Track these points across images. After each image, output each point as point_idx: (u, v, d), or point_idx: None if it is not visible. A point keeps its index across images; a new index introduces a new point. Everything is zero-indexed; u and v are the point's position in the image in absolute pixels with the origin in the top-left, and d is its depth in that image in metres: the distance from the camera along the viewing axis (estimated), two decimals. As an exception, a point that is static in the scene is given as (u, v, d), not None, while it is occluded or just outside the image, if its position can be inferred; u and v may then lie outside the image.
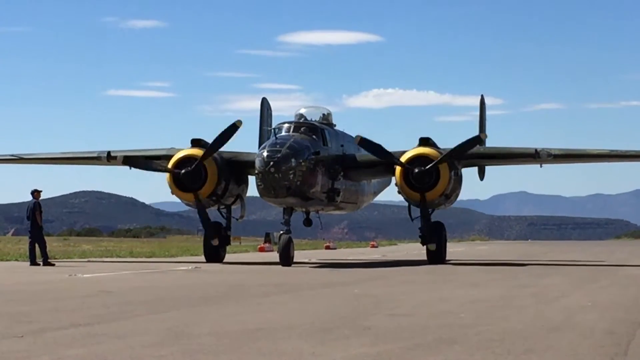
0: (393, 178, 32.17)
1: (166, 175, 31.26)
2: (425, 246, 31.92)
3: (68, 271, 24.45)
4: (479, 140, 31.33)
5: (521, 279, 21.83)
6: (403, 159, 30.54)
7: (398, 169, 30.53)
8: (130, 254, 39.56)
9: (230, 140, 30.51)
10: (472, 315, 12.56)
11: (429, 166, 30.14)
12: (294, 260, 29.42)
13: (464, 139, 30.41)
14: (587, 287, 18.96)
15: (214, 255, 32.04)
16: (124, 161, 31.94)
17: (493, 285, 19.67)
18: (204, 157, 30.63)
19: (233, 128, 30.29)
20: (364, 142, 30.24)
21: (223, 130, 30.29)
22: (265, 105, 38.36)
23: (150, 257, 37.43)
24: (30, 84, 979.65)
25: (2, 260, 33.20)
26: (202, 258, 32.68)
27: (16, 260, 32.93)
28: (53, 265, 28.38)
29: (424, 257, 32.00)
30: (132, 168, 32.04)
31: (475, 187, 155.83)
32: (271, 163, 27.95)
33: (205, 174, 30.90)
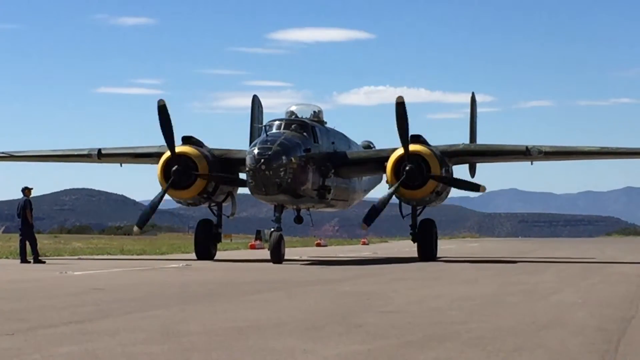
0: (384, 175, 32.18)
1: (157, 173, 31.25)
2: (415, 243, 31.97)
3: (59, 269, 24.42)
4: (477, 188, 31.40)
5: (512, 276, 21.86)
6: (394, 156, 30.52)
7: (389, 166, 30.47)
8: (121, 252, 39.51)
9: (171, 120, 30.40)
10: (463, 312, 12.58)
11: (426, 175, 30.12)
12: (285, 257, 29.41)
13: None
14: (577, 284, 19.00)
15: (205, 252, 32.06)
16: (141, 228, 32.12)
17: (484, 282, 19.70)
18: (172, 151, 30.60)
19: (161, 110, 30.25)
20: (401, 107, 29.89)
21: (159, 119, 30.30)
22: (256, 103, 38.33)
23: (141, 254, 37.39)
24: (21, 81, 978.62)
25: (-8, 257, 33.14)
26: (193, 255, 32.68)
27: (7, 258, 32.87)
28: (44, 262, 28.32)
29: (415, 255, 32.05)
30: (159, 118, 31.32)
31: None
32: (262, 160, 27.93)
33: (196, 171, 30.89)
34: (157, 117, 30.34)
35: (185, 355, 8.63)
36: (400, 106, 29.67)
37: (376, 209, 30.49)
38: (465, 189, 31.64)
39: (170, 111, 30.39)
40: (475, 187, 31.31)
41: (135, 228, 31.87)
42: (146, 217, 31.69)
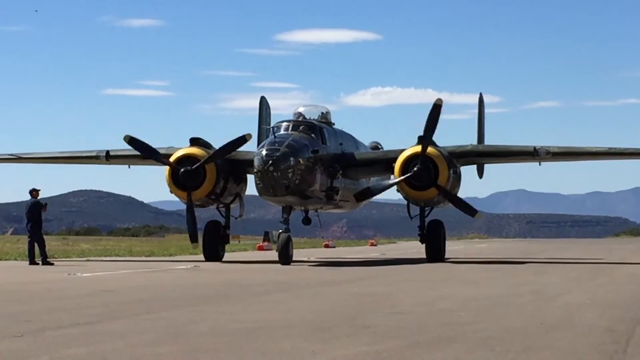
0: (392, 176, 32.17)
1: (165, 173, 31.24)
2: (424, 244, 31.93)
3: (67, 270, 24.45)
4: (474, 213, 31.57)
5: (520, 277, 21.84)
6: (405, 154, 30.52)
7: (397, 167, 30.47)
8: (129, 253, 39.55)
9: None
10: (471, 313, 12.57)
11: (433, 180, 30.22)
12: (293, 258, 29.41)
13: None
14: (586, 285, 18.98)
15: (213, 254, 32.04)
16: (130, 142, 31.11)
17: (492, 283, 19.68)
18: (207, 160, 30.50)
19: (242, 140, 30.10)
20: (437, 109, 29.72)
21: (232, 140, 30.15)
22: (264, 104, 38.36)
23: (149, 256, 37.41)
24: (28, 83, 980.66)
25: (1, 259, 33.20)
26: (201, 257, 32.68)
27: (15, 259, 32.92)
28: (52, 264, 28.37)
29: (423, 256, 32.02)
30: (135, 150, 31.16)
31: (474, 185, 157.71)
32: (270, 162, 27.94)
33: (204, 173, 30.88)
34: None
35: (194, 356, 8.63)
36: (436, 109, 29.79)
37: (370, 190, 31.80)
38: (462, 211, 31.65)
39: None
40: (472, 212, 31.38)
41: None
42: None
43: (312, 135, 29.82)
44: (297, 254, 34.85)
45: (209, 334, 10.16)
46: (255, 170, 28.39)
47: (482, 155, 34.32)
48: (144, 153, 30.83)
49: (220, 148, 30.47)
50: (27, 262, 29.09)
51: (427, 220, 32.09)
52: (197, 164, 30.52)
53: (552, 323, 11.35)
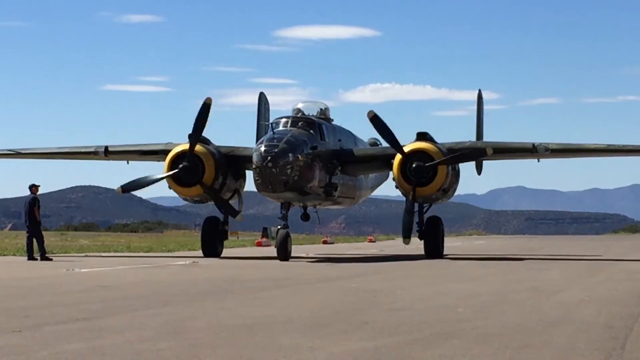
0: (390, 173, 32.18)
1: (164, 168, 31.24)
2: (422, 241, 31.95)
3: (66, 266, 24.43)
4: (484, 152, 31.37)
5: (519, 274, 21.85)
6: (400, 155, 30.49)
7: (396, 163, 30.50)
8: (127, 249, 39.54)
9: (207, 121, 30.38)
10: (469, 309, 12.57)
11: (429, 164, 30.11)
12: (292, 254, 29.40)
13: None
14: (584, 282, 18.98)
15: (212, 250, 32.03)
16: (124, 191, 31.82)
17: (491, 279, 19.69)
18: (191, 147, 30.48)
19: (205, 107, 30.30)
20: (376, 119, 30.01)
21: (198, 113, 30.30)
22: (262, 100, 38.33)
23: (148, 251, 37.41)
24: (27, 79, 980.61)
25: (-1, 255, 33.20)
26: (200, 253, 32.68)
27: (14, 255, 32.90)
28: (51, 260, 28.37)
29: (422, 252, 32.02)
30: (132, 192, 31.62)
31: (473, 182, 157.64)
32: (269, 158, 27.94)
33: (203, 169, 30.87)
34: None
35: (192, 352, 8.63)
36: (375, 120, 29.88)
37: (405, 221, 30.74)
38: (473, 158, 31.63)
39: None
40: (482, 152, 31.36)
41: (118, 187, 31.77)
42: (135, 186, 31.74)
43: (311, 131, 29.82)
44: (296, 250, 34.85)
45: (208, 330, 10.16)
46: (254, 166, 28.39)
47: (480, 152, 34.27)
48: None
49: (194, 127, 30.25)
50: (26, 258, 29.08)
51: (426, 216, 32.10)
52: (188, 158, 30.54)
53: (550, 319, 11.35)
